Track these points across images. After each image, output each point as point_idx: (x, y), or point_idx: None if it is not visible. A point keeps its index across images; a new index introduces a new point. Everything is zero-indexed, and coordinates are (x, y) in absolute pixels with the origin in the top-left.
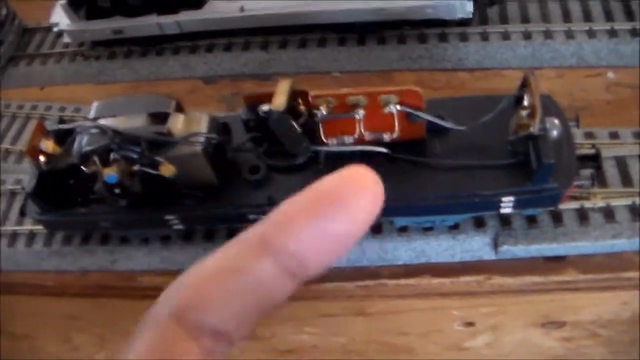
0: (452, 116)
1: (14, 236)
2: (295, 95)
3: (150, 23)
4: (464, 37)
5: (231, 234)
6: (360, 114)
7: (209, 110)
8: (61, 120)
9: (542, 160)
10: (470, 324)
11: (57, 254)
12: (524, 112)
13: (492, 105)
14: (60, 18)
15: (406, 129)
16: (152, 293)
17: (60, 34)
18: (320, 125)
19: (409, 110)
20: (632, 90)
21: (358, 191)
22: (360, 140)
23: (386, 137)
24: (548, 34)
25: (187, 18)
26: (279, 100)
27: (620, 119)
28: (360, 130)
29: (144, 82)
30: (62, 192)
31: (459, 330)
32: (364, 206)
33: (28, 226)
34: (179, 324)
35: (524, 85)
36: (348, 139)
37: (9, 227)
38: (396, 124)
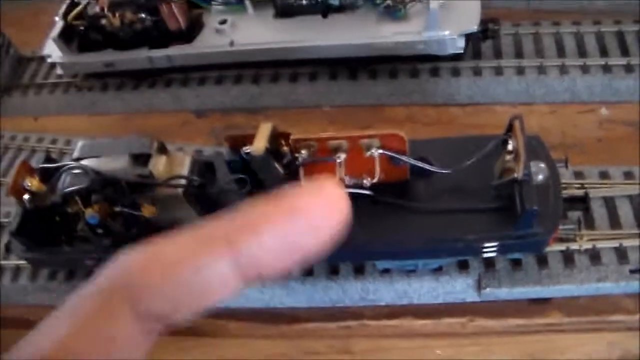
0: (438, 157)
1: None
2: (278, 136)
3: (141, 57)
4: (456, 72)
5: None
6: (341, 157)
7: (199, 144)
8: (48, 157)
9: (525, 207)
10: None
11: (43, 289)
12: (509, 156)
13: (479, 147)
14: (52, 50)
15: (389, 172)
16: None
17: (54, 64)
18: (301, 168)
19: (391, 154)
20: (625, 127)
21: (323, 206)
22: (341, 185)
23: (366, 182)
24: (541, 69)
25: (177, 52)
26: (259, 145)
27: (612, 157)
28: (342, 174)
29: (136, 114)
30: (46, 230)
31: None
32: (326, 221)
33: (14, 261)
34: (126, 303)
35: (509, 129)
36: None
37: None
38: (377, 168)
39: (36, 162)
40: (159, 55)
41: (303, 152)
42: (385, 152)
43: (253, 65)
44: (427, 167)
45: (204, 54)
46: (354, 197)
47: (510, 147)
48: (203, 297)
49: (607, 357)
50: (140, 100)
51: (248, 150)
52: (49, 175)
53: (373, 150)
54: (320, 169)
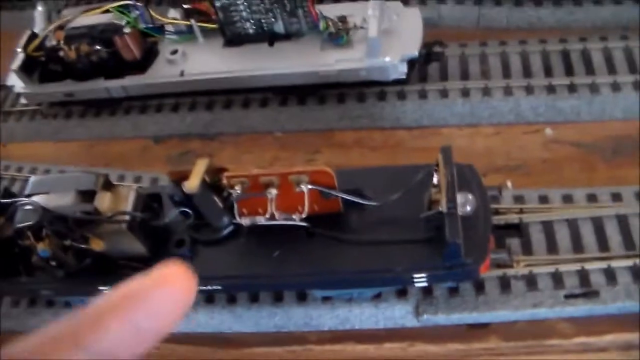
0: (372, 188)
1: None
2: (216, 171)
3: (99, 87)
4: (401, 96)
5: None
6: (272, 193)
7: (157, 171)
8: (6, 191)
9: (449, 240)
10: None
11: (6, 316)
12: (434, 190)
13: (412, 177)
14: (15, 81)
15: (322, 205)
16: None
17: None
18: (236, 203)
19: (320, 188)
20: (570, 147)
21: (163, 289)
22: (273, 219)
23: (296, 216)
24: (486, 91)
25: (132, 83)
26: (194, 182)
27: (557, 178)
28: (274, 209)
29: (99, 141)
30: (5, 260)
31: None
32: (169, 303)
33: None
34: None
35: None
36: (260, 219)
37: None
38: (307, 203)
39: None
40: (115, 85)
41: (237, 188)
42: (315, 187)
43: (205, 93)
44: (356, 199)
45: (156, 84)
46: (288, 230)
47: (435, 180)
48: None
49: None
50: (102, 127)
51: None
52: (5, 209)
53: (302, 186)
54: (253, 204)
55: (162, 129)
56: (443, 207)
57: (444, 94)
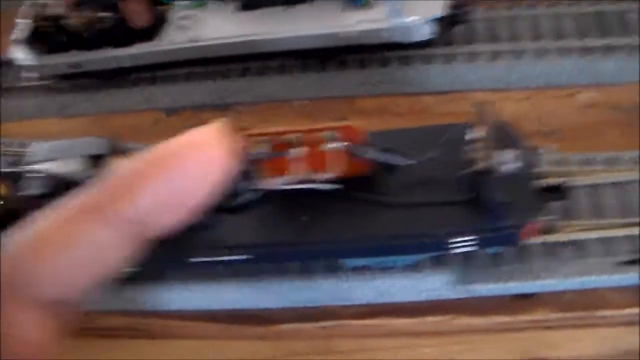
0: (404, 148)
1: None
2: (235, 131)
3: (106, 56)
4: (427, 60)
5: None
6: (296, 152)
7: None
8: (13, 162)
9: (491, 199)
10: None
11: None
12: (474, 146)
13: (447, 135)
14: (18, 53)
15: (352, 165)
16: (111, 333)
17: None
18: (256, 165)
19: (350, 146)
20: (607, 111)
21: (196, 149)
22: (300, 180)
23: (325, 176)
24: (517, 53)
25: (141, 50)
26: None
27: (593, 143)
28: (300, 170)
29: (108, 115)
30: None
31: None
32: (206, 164)
33: None
34: (17, 294)
35: (475, 117)
36: (284, 179)
37: None
38: (336, 162)
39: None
40: (123, 54)
41: (258, 147)
42: (344, 145)
43: (219, 60)
44: (390, 159)
45: (167, 50)
46: (316, 193)
47: (474, 135)
48: (93, 268)
49: (600, 354)
50: (110, 100)
51: None
52: (15, 180)
53: (331, 144)
54: (277, 165)
55: (174, 100)
56: (483, 164)
57: (471, 57)
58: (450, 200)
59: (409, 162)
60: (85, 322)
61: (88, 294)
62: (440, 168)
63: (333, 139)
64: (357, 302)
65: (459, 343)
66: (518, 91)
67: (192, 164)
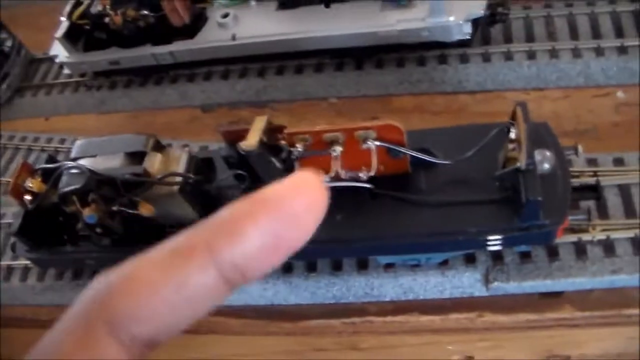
0: (440, 148)
1: (9, 270)
2: (274, 130)
3: (145, 54)
4: (464, 59)
5: None
6: (337, 150)
7: (206, 140)
8: (50, 157)
9: (529, 197)
10: (469, 358)
11: (50, 289)
12: (511, 145)
13: (483, 136)
14: (59, 50)
15: (388, 164)
16: None
17: (62, 64)
18: (297, 163)
19: (388, 145)
20: None
21: (300, 195)
22: (338, 178)
23: (363, 175)
24: (554, 53)
25: (180, 48)
26: (252, 140)
27: (629, 142)
28: (338, 168)
29: (144, 112)
30: (49, 230)
31: None
32: (307, 209)
33: (22, 261)
34: (109, 330)
35: (513, 116)
36: (325, 178)
37: (5, 262)
38: (374, 160)
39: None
40: (162, 51)
41: (298, 145)
42: (383, 144)
43: (257, 58)
44: (426, 158)
45: (206, 48)
46: (352, 192)
47: (512, 135)
48: (188, 313)
49: (626, 353)
50: (147, 97)
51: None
52: (50, 175)
53: (369, 142)
54: (317, 163)
55: (210, 97)
56: (521, 163)
57: (508, 56)
58: (487, 199)
59: (446, 161)
60: None
61: (173, 336)
62: (477, 167)
63: (372, 138)
64: (383, 299)
65: (484, 340)
66: (555, 90)
67: (299, 206)
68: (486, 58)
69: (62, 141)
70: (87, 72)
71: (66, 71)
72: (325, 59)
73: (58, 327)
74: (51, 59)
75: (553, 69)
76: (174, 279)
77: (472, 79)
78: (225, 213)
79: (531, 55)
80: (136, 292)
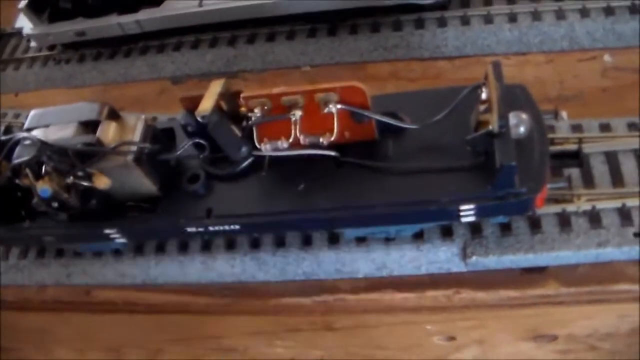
0: (409, 112)
1: None
2: (233, 95)
3: (111, 23)
4: (442, 22)
5: (183, 246)
6: (297, 115)
7: (176, 112)
8: (6, 129)
9: (502, 163)
10: (451, 338)
11: (15, 268)
12: (482, 107)
13: (453, 99)
14: (24, 22)
15: (354, 130)
16: (108, 307)
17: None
18: (255, 128)
19: (351, 109)
20: (631, 74)
21: None
22: (298, 145)
23: (325, 140)
24: (536, 15)
25: (147, 17)
26: (206, 104)
27: (617, 108)
28: (297, 133)
29: (113, 85)
30: (5, 205)
31: (440, 345)
32: None
33: None
34: None
35: (486, 77)
36: (282, 144)
37: None
38: (336, 124)
39: None
40: (129, 20)
41: (256, 110)
42: (345, 107)
43: (227, 26)
44: (392, 122)
45: (173, 16)
46: (316, 160)
47: (483, 95)
48: None
49: (616, 332)
50: (116, 70)
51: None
52: (3, 147)
53: (331, 106)
54: (275, 129)
55: (180, 69)
56: (494, 126)
57: (488, 19)
58: (459, 165)
59: (414, 126)
60: (82, 296)
61: None
62: (448, 132)
63: (334, 101)
64: (356, 276)
65: (465, 320)
66: (538, 54)
67: None
68: (465, 21)
69: (17, 115)
70: (55, 46)
71: (33, 44)
72: (297, 26)
73: None
74: (20, 33)
75: (536, 32)
76: None
77: (450, 44)
78: None
79: (512, 18)
80: None
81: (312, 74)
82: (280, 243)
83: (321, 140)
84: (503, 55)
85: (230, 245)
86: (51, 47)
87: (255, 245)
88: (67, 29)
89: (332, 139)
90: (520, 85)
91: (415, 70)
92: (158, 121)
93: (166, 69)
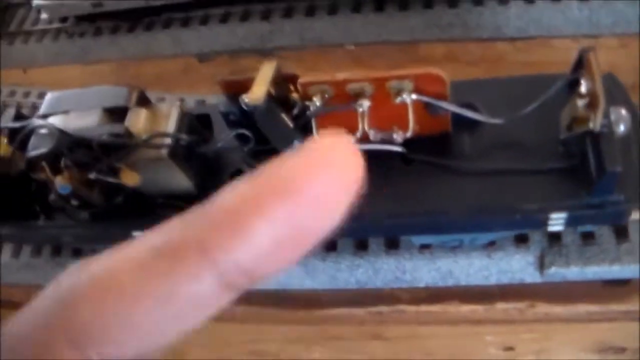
0: (486, 103)
1: None
2: (285, 79)
3: None
4: None
5: None
6: (364, 105)
7: (203, 93)
8: (18, 114)
9: (606, 167)
10: (509, 348)
11: (27, 267)
12: (580, 102)
13: (539, 89)
14: None
15: (426, 123)
16: None
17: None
18: (314, 120)
19: (428, 100)
20: None
21: (325, 170)
22: (365, 140)
23: (397, 136)
24: None
25: None
26: (258, 91)
27: None
28: (364, 127)
29: (133, 61)
30: (18, 200)
31: (495, 354)
32: (337, 193)
33: None
34: (69, 350)
35: (580, 65)
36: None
37: None
38: (411, 118)
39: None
40: None
41: (315, 99)
42: (421, 98)
43: None
44: (474, 116)
45: None
46: (380, 157)
47: (583, 89)
48: (176, 328)
49: None
50: (136, 45)
51: (246, 99)
52: (16, 135)
53: (405, 96)
54: (337, 121)
55: (208, 45)
56: (595, 125)
57: None
58: (547, 167)
59: (498, 120)
60: None
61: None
62: (533, 128)
63: (408, 90)
64: (417, 285)
65: (530, 332)
66: (610, 38)
67: (324, 185)
68: None
69: (42, 95)
70: (68, 17)
71: (44, 16)
72: None
73: (18, 324)
74: (29, 3)
75: (608, 11)
76: (157, 290)
77: (512, 24)
78: (224, 199)
79: None
80: (109, 304)
81: (357, 54)
82: (331, 247)
83: (394, 136)
84: (571, 38)
85: None
86: (63, 19)
87: None
88: (82, 0)
89: (408, 135)
90: (610, 74)
91: (473, 52)
92: (187, 105)
93: (191, 44)
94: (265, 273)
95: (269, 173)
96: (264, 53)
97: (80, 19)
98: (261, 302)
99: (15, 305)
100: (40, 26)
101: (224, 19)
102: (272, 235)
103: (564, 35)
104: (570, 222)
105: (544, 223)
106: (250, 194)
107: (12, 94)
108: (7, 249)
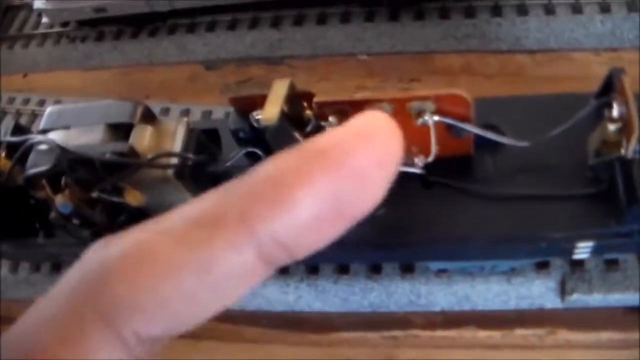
0: (510, 123)
1: None
2: (299, 97)
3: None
4: (522, 10)
5: None
6: None
7: (209, 103)
8: (17, 126)
9: (638, 195)
10: None
11: (25, 282)
12: (612, 126)
13: (565, 109)
14: None
15: (447, 145)
16: None
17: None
18: None
19: (451, 122)
20: None
21: (368, 143)
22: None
23: (419, 160)
24: (632, 6)
25: None
26: (272, 111)
27: None
28: None
29: (136, 68)
30: (17, 217)
31: None
32: (376, 164)
33: None
34: (103, 324)
35: (609, 87)
36: None
37: None
38: (433, 140)
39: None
40: None
41: (331, 119)
42: (443, 120)
43: (271, 5)
44: (499, 139)
45: None
46: (398, 179)
47: (615, 113)
48: (212, 303)
49: None
50: (140, 51)
51: (258, 117)
52: (15, 150)
53: (426, 117)
54: None
55: (214, 52)
56: (629, 150)
57: (577, 8)
58: (574, 193)
59: (524, 143)
60: None
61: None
62: (558, 151)
63: (430, 111)
64: (432, 309)
65: (548, 357)
66: (632, 51)
67: (367, 159)
68: (549, 10)
69: (42, 103)
70: (68, 22)
71: (45, 20)
72: (353, 7)
73: (38, 310)
74: (29, 5)
75: (631, 24)
76: (196, 260)
77: (531, 36)
78: (265, 170)
79: (605, 8)
80: (143, 276)
81: (370, 64)
82: (343, 269)
83: (416, 160)
84: (592, 51)
85: (284, 269)
86: (65, 23)
87: (313, 270)
88: (85, 5)
89: (430, 159)
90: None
91: (491, 65)
92: (199, 120)
93: (197, 51)
94: (303, 249)
95: (312, 146)
96: (273, 62)
97: (82, 23)
98: (270, 324)
99: (13, 322)
100: (41, 30)
101: (232, 26)
102: (313, 208)
103: (585, 48)
104: (596, 251)
105: (569, 252)
106: (293, 166)
107: (11, 101)
108: (6, 264)
